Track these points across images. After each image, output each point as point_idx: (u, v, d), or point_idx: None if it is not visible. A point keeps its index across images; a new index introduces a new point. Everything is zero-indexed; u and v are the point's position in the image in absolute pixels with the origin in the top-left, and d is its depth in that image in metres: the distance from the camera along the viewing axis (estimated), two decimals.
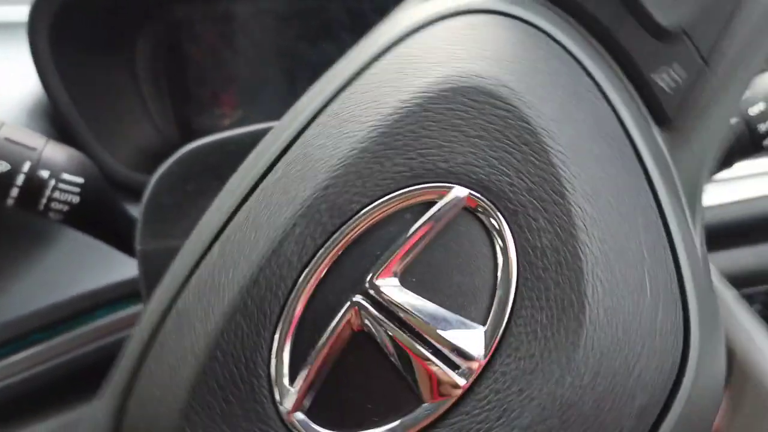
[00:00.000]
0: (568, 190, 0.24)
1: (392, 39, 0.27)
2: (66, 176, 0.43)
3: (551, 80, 0.26)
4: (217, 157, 0.42)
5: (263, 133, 0.44)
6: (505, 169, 0.24)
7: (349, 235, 0.24)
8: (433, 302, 0.24)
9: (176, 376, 0.25)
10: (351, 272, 0.24)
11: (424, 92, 0.25)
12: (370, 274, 0.24)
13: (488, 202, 0.24)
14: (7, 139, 0.41)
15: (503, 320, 0.24)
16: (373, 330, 0.24)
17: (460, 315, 0.24)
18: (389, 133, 0.25)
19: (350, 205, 0.24)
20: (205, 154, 0.43)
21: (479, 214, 0.24)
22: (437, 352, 0.23)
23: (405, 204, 0.24)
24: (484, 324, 0.24)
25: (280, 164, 0.27)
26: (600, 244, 0.24)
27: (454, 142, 0.24)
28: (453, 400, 0.23)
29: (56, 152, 0.43)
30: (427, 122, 0.25)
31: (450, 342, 0.23)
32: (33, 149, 0.42)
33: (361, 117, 0.26)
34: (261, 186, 0.27)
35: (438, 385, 0.23)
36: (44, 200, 0.43)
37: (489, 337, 0.23)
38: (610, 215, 0.24)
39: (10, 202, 0.42)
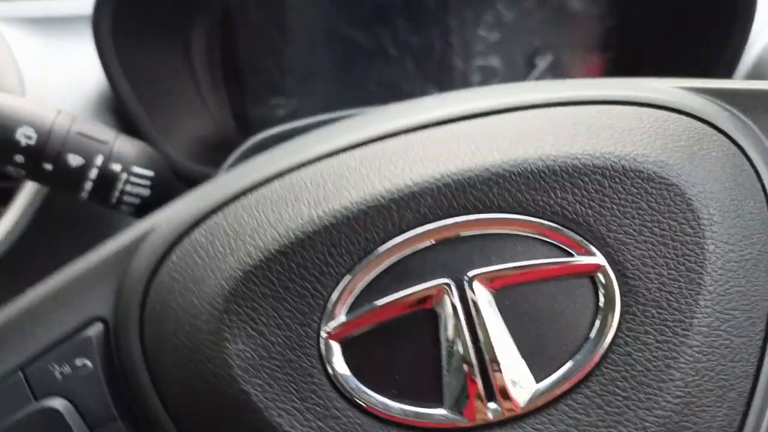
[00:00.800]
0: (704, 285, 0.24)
1: (580, 98, 0.28)
2: (137, 169, 0.43)
3: (715, 168, 0.26)
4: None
5: (333, 121, 0.44)
6: (651, 254, 0.24)
7: (473, 226, 0.25)
8: (511, 334, 0.25)
9: (233, 250, 0.25)
10: (458, 258, 0.25)
11: (597, 160, 0.25)
12: (475, 272, 0.24)
13: (615, 280, 0.25)
14: (80, 133, 0.42)
15: (560, 389, 0.25)
16: (443, 316, 0.24)
17: (528, 362, 0.25)
18: (555, 171, 0.25)
19: (492, 201, 0.25)
20: (274, 144, 0.43)
21: (598, 284, 0.25)
22: (484, 377, 0.25)
23: (542, 234, 0.25)
24: (538, 381, 0.25)
25: (414, 137, 0.27)
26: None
27: (609, 213, 0.25)
28: (468, 426, 0.25)
29: (127, 146, 0.44)
30: (593, 187, 0.25)
31: (499, 380, 0.24)
32: (104, 143, 0.43)
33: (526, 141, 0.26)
34: (383, 144, 0.27)
35: (462, 401, 0.25)
36: (116, 193, 0.43)
37: (535, 396, 0.25)
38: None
39: (83, 195, 0.43)
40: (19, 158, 0.41)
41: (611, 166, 0.24)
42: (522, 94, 0.28)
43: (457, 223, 0.24)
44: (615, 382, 0.24)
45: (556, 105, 0.27)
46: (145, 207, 0.45)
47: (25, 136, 0.40)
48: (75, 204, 0.58)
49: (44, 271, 0.59)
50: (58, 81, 0.59)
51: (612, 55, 0.69)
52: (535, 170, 0.24)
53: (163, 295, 0.27)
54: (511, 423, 0.24)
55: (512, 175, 0.24)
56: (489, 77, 0.70)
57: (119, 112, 0.58)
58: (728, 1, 0.55)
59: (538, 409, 0.24)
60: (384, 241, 0.24)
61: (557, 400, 0.24)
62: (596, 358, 0.24)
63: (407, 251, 0.24)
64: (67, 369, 0.27)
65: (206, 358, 0.25)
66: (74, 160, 0.41)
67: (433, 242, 0.25)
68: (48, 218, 0.56)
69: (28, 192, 0.56)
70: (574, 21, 0.68)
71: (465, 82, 0.70)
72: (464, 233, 0.24)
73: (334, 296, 0.25)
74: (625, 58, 0.68)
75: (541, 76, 0.70)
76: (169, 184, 0.46)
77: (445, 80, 0.70)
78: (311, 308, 0.25)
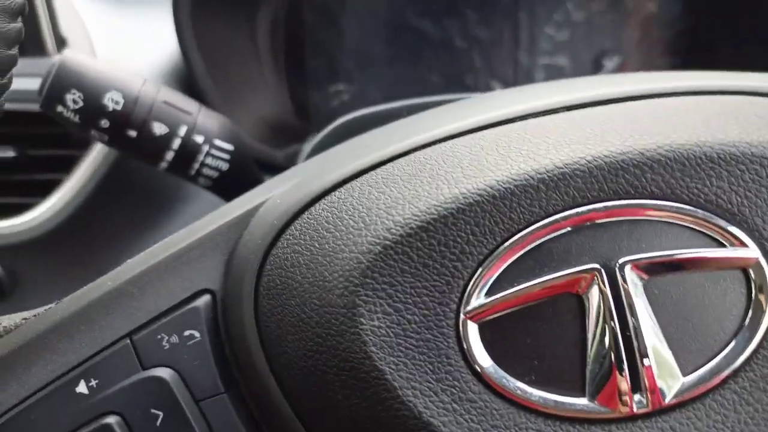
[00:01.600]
0: None
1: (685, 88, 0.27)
2: (218, 143, 0.43)
3: None
4: (376, 126, 0.41)
5: (422, 106, 0.43)
6: None
7: (625, 211, 0.24)
8: (660, 325, 0.24)
9: (367, 225, 0.24)
10: (607, 243, 0.24)
11: (755, 148, 0.24)
12: (628, 258, 0.23)
13: None
14: (166, 102, 0.42)
15: (708, 384, 0.24)
16: (590, 303, 0.24)
17: (675, 354, 0.24)
18: (711, 158, 0.24)
19: (645, 186, 0.24)
20: (360, 126, 0.42)
21: (751, 277, 0.24)
22: (632, 368, 0.24)
23: (694, 223, 0.24)
24: (685, 374, 0.24)
25: (551, 120, 0.26)
26: None
27: (766, 204, 0.24)
28: (610, 417, 0.24)
29: (210, 118, 0.43)
30: (750, 176, 0.24)
31: (647, 371, 0.23)
32: (189, 113, 0.42)
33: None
34: (515, 125, 0.26)
35: (606, 391, 0.24)
36: (197, 165, 0.43)
37: (682, 389, 0.24)
38: None
39: (163, 165, 0.43)
40: (104, 123, 0.40)
41: None
42: (663, 82, 0.27)
43: (607, 207, 0.23)
44: (766, 378, 0.23)
45: (700, 93, 0.26)
46: (221, 180, 0.44)
47: (112, 100, 0.40)
48: (137, 177, 0.58)
49: (104, 239, 0.59)
50: (128, 50, 0.58)
51: (681, 61, 0.67)
52: (691, 156, 0.23)
53: (284, 268, 0.26)
54: (655, 416, 0.23)
55: (667, 161, 0.23)
56: (554, 76, 0.68)
57: (189, 86, 0.58)
58: None
59: (685, 402, 0.24)
60: (530, 223, 0.24)
61: (705, 394, 0.23)
62: (747, 353, 0.23)
63: (553, 234, 0.24)
64: (174, 339, 0.27)
65: (337, 332, 0.24)
66: (159, 128, 0.41)
67: (581, 226, 0.24)
68: (110, 188, 0.56)
69: (92, 161, 0.56)
70: (645, 24, 0.66)
71: (530, 80, 0.69)
72: (614, 219, 0.23)
73: (475, 276, 0.24)
74: (694, 65, 0.67)
75: None
76: (247, 160, 0.45)
77: (510, 76, 0.69)
78: (450, 287, 0.24)
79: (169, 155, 0.42)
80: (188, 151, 0.42)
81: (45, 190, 0.56)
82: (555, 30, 0.66)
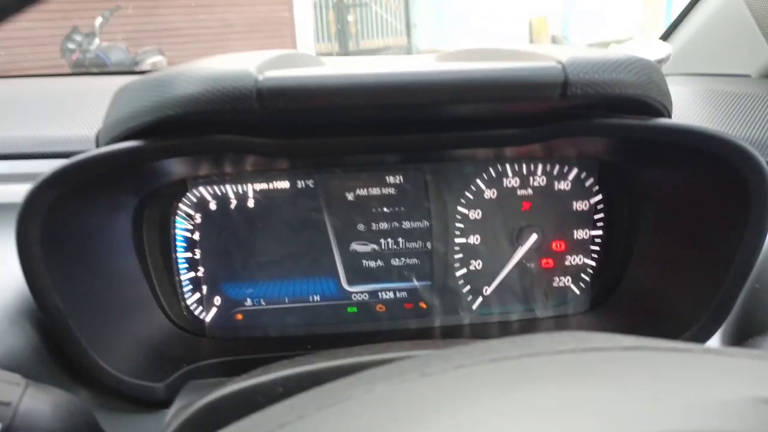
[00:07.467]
0: None
1: None
2: None
3: None
4: (244, 408, 0.34)
5: (293, 379, 0.36)
6: None
7: None
8: None
9: None
10: None
11: None
12: None
13: None
14: None
15: None
16: None
17: None
18: None
19: None
20: (227, 406, 0.35)
21: None
22: None
23: None
24: None
25: None
26: None
27: None
28: None
29: (36, 402, 0.35)
30: None
31: None
32: (7, 404, 0.34)
33: None
34: None
35: None
36: None
37: None
38: None
39: None
40: None
41: None
42: None
43: None
44: None
45: None
46: None
47: None
48: None
49: None
50: None
51: (603, 234, 0.64)
52: None
53: None
54: None
55: None
56: (471, 256, 0.64)
57: (41, 322, 0.49)
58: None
59: None
60: None
61: None
62: None
63: None
64: None
65: None
66: None
67: None
68: None
69: None
70: (559, 199, 0.63)
71: (445, 263, 0.64)
72: None
73: None
74: (611, 238, 0.64)
75: (527, 255, 0.64)
76: None
77: (424, 264, 0.63)
78: None
79: None
80: None
81: None
82: (467, 208, 0.62)
